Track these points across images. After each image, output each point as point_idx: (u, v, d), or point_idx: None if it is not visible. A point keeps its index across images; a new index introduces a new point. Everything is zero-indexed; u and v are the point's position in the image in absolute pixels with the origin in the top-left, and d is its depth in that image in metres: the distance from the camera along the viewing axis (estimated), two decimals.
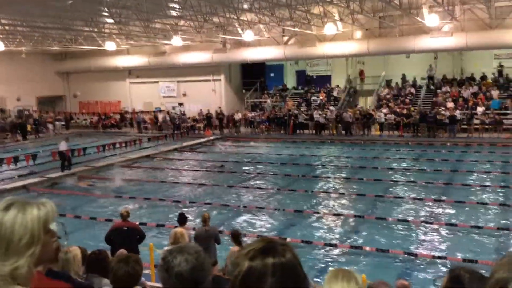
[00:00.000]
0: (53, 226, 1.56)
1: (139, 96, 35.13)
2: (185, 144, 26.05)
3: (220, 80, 32.78)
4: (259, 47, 29.22)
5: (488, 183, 15.48)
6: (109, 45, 28.43)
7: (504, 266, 1.10)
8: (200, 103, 32.04)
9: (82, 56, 34.68)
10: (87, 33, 26.57)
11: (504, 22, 23.71)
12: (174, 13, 22.33)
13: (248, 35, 24.83)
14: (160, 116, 32.78)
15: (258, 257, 1.27)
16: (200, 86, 32.81)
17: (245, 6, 21.15)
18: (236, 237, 7.62)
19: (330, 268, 9.46)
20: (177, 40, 25.55)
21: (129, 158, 22.02)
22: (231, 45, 30.23)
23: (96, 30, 25.55)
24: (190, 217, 12.69)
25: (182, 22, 24.73)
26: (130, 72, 35.33)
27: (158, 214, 13.47)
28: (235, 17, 22.65)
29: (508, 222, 11.46)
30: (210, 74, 32.32)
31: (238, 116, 29.96)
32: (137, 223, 11.15)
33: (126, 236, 8.23)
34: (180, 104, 33.62)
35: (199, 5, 20.77)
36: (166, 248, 6.42)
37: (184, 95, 33.85)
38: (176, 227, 8.52)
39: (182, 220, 8.45)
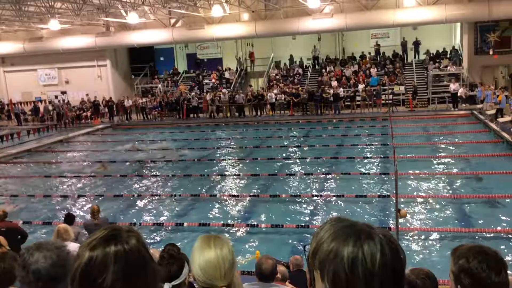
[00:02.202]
0: None
1: (16, 86, 32.31)
2: (71, 134, 24.52)
3: (106, 65, 31.21)
4: (145, 30, 28.26)
5: (369, 155, 16.68)
6: None
7: (330, 237, 1.13)
8: (85, 90, 30.28)
9: None
10: None
11: (378, 3, 25.46)
12: None
13: (132, 18, 23.80)
14: (42, 106, 30.46)
15: (99, 246, 1.22)
16: (84, 73, 31.00)
17: None
18: None
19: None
20: (54, 24, 23.74)
21: (8, 154, 20.21)
22: (115, 28, 28.86)
23: None
24: (80, 212, 12.09)
25: (59, 4, 22.97)
26: (4, 60, 32.27)
27: (44, 211, 12.57)
28: None
29: (388, 189, 12.43)
30: (94, 59, 30.62)
31: (128, 102, 28.82)
32: (20, 222, 10.39)
33: (5, 238, 7.52)
34: (63, 93, 31.48)
35: None
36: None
37: (67, 82, 31.77)
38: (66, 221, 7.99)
39: (69, 221, 7.94)
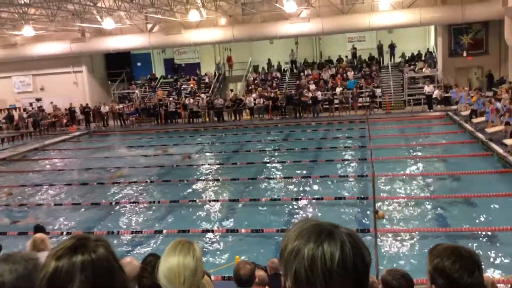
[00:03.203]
0: None
1: None
2: (46, 142, 24.09)
3: (81, 71, 30.79)
4: (121, 36, 28.02)
5: (348, 157, 16.79)
6: None
7: (294, 237, 1.15)
8: (61, 97, 29.80)
9: None
10: None
11: (354, 7, 25.78)
12: (21, 0, 20.29)
13: (108, 23, 23.56)
14: (16, 114, 29.87)
15: (65, 256, 1.21)
16: (60, 79, 30.51)
17: None
18: None
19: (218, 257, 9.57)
20: (28, 30, 23.30)
21: None
22: (90, 34, 28.52)
23: None
24: (57, 221, 11.87)
25: (33, 10, 22.60)
26: None
27: (20, 221, 12.28)
28: (91, 3, 21.29)
29: (366, 191, 12.52)
30: (70, 65, 30.20)
31: (105, 109, 28.45)
32: None
33: None
34: (38, 100, 30.93)
35: None
36: None
37: (42, 89, 31.24)
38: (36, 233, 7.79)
39: (39, 232, 7.75)
